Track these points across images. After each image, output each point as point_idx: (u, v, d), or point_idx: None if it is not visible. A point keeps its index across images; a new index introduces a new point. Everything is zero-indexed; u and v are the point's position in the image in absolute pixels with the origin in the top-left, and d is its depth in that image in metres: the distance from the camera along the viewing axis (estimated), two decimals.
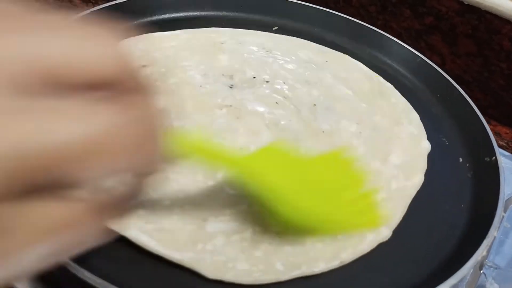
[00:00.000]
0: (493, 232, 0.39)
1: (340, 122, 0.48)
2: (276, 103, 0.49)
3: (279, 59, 0.55)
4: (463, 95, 0.53)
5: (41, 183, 0.17)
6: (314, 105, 0.49)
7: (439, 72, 0.56)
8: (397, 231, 0.40)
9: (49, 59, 0.17)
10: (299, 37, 0.59)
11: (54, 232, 0.18)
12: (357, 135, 0.47)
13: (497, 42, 0.59)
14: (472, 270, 0.41)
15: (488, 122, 0.50)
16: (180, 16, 0.59)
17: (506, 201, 0.48)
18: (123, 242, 0.35)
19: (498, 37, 0.59)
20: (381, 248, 0.38)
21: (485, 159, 0.47)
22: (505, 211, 0.47)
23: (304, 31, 0.61)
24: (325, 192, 0.36)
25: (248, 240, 0.36)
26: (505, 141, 0.60)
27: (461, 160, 0.48)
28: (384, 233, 0.39)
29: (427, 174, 0.45)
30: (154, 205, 0.37)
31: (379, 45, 0.60)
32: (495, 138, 0.48)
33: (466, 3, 0.59)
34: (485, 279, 0.42)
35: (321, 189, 0.36)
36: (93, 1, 0.68)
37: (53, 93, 0.17)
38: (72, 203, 0.19)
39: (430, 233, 0.41)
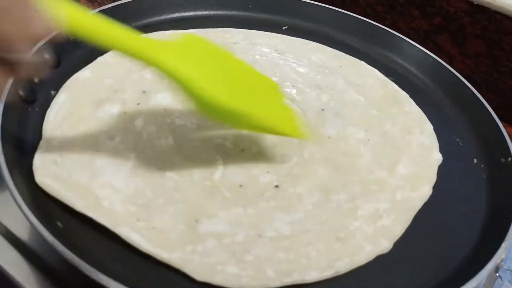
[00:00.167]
0: (511, 234, 0.38)
1: (348, 128, 0.47)
2: None
3: (291, 61, 0.54)
4: (476, 96, 0.52)
5: None
6: (323, 110, 0.48)
7: (452, 72, 0.54)
8: (403, 241, 0.38)
9: None
10: (309, 37, 0.58)
11: None
12: (365, 142, 0.46)
13: (507, 43, 0.58)
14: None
15: None
16: (190, 16, 0.59)
17: None
18: (113, 237, 0.34)
19: (508, 38, 0.57)
20: (380, 260, 0.37)
21: (501, 160, 0.46)
22: None
23: (314, 30, 0.60)
24: (249, 90, 0.37)
25: (240, 244, 0.35)
26: None
27: (475, 161, 0.47)
28: (384, 245, 0.37)
29: (441, 176, 0.44)
30: (147, 203, 0.37)
31: (391, 45, 0.59)
32: None
33: (475, 3, 0.57)
34: (501, 282, 0.41)
35: (245, 85, 0.37)
36: (99, 1, 0.69)
37: None
38: None
39: (445, 235, 0.40)
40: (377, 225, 0.39)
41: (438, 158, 0.46)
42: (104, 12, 0.51)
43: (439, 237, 0.40)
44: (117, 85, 0.46)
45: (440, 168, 0.45)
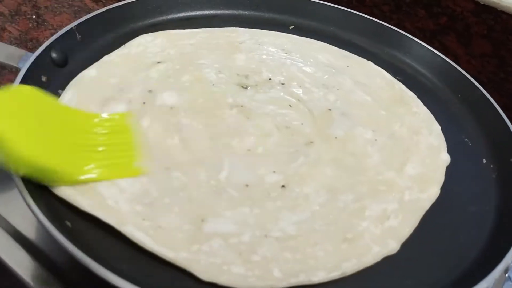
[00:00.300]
0: None
1: (355, 128, 0.46)
2: (289, 105, 0.47)
3: (297, 61, 0.54)
4: (485, 95, 0.51)
5: None
6: (329, 109, 0.48)
7: (460, 71, 0.54)
8: (411, 241, 0.38)
9: None
10: (316, 36, 0.58)
11: None
12: (372, 142, 0.45)
13: None
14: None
15: None
16: (196, 15, 0.59)
17: None
18: (120, 237, 0.34)
19: None
20: (388, 261, 0.36)
21: (510, 160, 0.45)
22: None
23: (321, 30, 0.60)
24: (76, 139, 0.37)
25: (246, 244, 0.35)
26: None
27: (485, 161, 0.47)
28: (392, 245, 0.37)
29: (450, 177, 0.44)
30: (153, 203, 0.36)
31: (398, 44, 0.59)
32: None
33: (482, 3, 0.57)
34: (510, 283, 0.40)
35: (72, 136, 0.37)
36: (104, 1, 0.69)
37: None
38: None
39: (454, 236, 0.39)
40: (385, 226, 0.38)
41: (446, 159, 0.46)
42: (110, 11, 0.51)
43: (448, 238, 0.39)
44: (123, 84, 0.46)
45: (449, 168, 0.45)
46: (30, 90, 0.37)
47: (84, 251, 0.31)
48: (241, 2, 0.60)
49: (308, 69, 0.53)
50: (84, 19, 0.50)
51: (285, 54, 0.54)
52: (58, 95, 0.44)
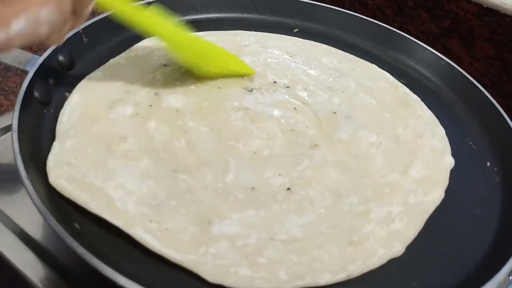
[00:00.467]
0: None
1: (360, 131, 0.46)
2: (294, 108, 0.47)
3: (302, 64, 0.54)
4: (489, 98, 0.51)
5: None
6: (334, 112, 0.48)
7: (464, 74, 0.54)
8: (416, 244, 0.38)
9: None
10: (321, 39, 0.59)
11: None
12: (377, 145, 0.45)
13: None
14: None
15: None
16: (202, 18, 0.59)
17: None
18: (128, 239, 0.35)
19: None
20: (393, 263, 0.37)
21: None
22: None
23: (326, 33, 0.61)
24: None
25: (252, 246, 0.35)
26: None
27: (489, 164, 0.47)
28: (396, 248, 0.37)
29: (455, 180, 0.44)
30: (160, 205, 0.37)
31: (402, 47, 0.59)
32: None
33: (485, 6, 0.58)
34: None
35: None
36: None
37: None
38: None
39: (459, 239, 0.40)
40: (390, 229, 0.39)
41: (450, 162, 0.46)
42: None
43: (453, 241, 0.39)
44: (130, 86, 0.47)
45: (453, 171, 0.45)
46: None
47: (92, 253, 0.31)
48: (246, 5, 0.60)
49: (312, 72, 0.53)
50: (91, 22, 0.50)
51: (290, 57, 0.55)
52: (65, 97, 0.44)
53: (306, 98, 0.49)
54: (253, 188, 0.39)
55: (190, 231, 0.35)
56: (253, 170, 0.41)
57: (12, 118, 0.39)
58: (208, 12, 0.59)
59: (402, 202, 0.41)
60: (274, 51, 0.55)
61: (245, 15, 0.61)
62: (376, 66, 0.57)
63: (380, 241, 0.37)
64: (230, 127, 0.44)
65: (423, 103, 0.53)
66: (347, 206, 0.39)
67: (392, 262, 0.37)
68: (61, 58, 0.47)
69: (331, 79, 0.53)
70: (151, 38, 0.53)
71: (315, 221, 0.38)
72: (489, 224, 0.41)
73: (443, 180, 0.44)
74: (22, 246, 0.40)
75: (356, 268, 0.35)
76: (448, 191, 0.43)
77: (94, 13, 0.75)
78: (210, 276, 0.33)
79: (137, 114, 0.44)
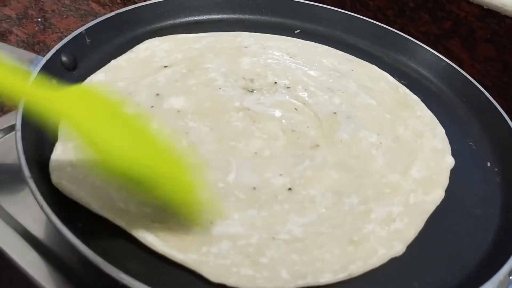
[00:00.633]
0: None
1: (360, 132, 0.47)
2: (295, 109, 0.48)
3: (302, 65, 0.54)
4: (489, 99, 0.52)
5: None
6: (335, 113, 0.48)
7: (465, 76, 0.55)
8: (416, 244, 0.38)
9: None
10: (322, 40, 0.59)
11: None
12: (377, 145, 0.46)
13: None
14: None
15: None
16: (203, 19, 0.59)
17: None
18: (131, 238, 0.35)
19: None
20: (393, 263, 0.37)
21: None
22: None
23: (327, 34, 0.61)
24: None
25: (254, 246, 0.35)
26: None
27: (489, 164, 0.47)
28: (397, 248, 0.37)
29: (455, 180, 0.44)
30: (162, 205, 0.37)
31: (403, 48, 0.59)
32: None
33: (486, 7, 0.57)
34: None
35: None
36: (110, 5, 0.70)
37: None
38: None
39: (459, 238, 0.40)
40: (391, 229, 0.39)
41: (450, 162, 0.46)
42: (119, 16, 0.52)
43: (453, 241, 0.40)
44: (131, 88, 0.47)
45: (454, 171, 0.45)
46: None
47: (96, 252, 0.31)
48: (247, 6, 0.60)
49: (313, 73, 0.54)
50: (94, 23, 0.50)
51: (290, 58, 0.55)
52: None
53: (306, 98, 0.49)
54: (254, 188, 0.39)
55: (192, 231, 0.36)
56: (254, 170, 0.41)
57: (16, 118, 0.39)
58: (209, 13, 0.60)
59: (402, 202, 0.41)
60: (275, 52, 0.56)
61: (246, 16, 0.61)
62: (376, 67, 0.57)
63: (380, 240, 0.38)
64: (231, 127, 0.44)
65: (423, 104, 0.53)
66: (347, 206, 0.40)
67: (392, 261, 0.37)
68: (64, 58, 0.47)
69: (331, 80, 0.53)
70: (152, 39, 0.54)
71: (316, 221, 0.38)
72: (489, 224, 0.42)
73: (444, 180, 0.44)
74: (26, 245, 0.40)
75: (357, 267, 0.36)
76: (448, 191, 0.43)
77: (96, 14, 0.76)
78: (212, 275, 0.33)
79: (138, 114, 0.44)
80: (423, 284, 0.36)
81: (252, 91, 0.49)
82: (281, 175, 0.41)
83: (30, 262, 0.39)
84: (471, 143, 0.50)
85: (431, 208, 0.41)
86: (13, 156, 0.37)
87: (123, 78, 0.48)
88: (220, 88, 0.48)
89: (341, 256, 0.36)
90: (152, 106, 0.45)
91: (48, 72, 0.44)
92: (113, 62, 0.50)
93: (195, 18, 0.59)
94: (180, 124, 0.44)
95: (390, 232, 0.39)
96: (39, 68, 0.43)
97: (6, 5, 0.74)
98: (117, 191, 0.37)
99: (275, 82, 0.51)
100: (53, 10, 0.75)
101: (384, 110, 0.50)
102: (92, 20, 0.50)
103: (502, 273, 0.35)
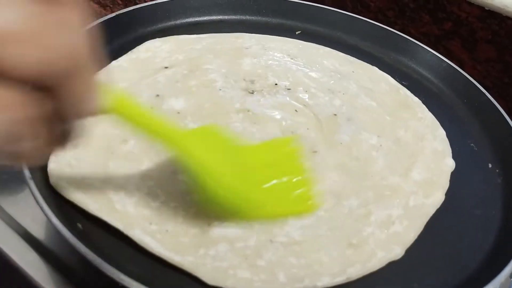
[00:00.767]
0: None
1: (361, 134, 0.46)
2: (295, 110, 0.48)
3: (303, 67, 0.54)
4: (490, 100, 0.52)
5: None
6: (335, 114, 0.48)
7: (466, 77, 0.54)
8: (416, 247, 0.38)
9: None
10: (323, 41, 0.59)
11: None
12: (377, 147, 0.45)
13: None
14: None
15: None
16: (204, 20, 0.59)
17: None
18: (129, 239, 0.35)
19: None
20: (393, 266, 0.37)
21: None
22: None
23: (327, 35, 0.61)
24: (259, 177, 0.36)
25: (252, 249, 0.35)
26: None
27: (490, 165, 0.47)
28: (396, 251, 0.37)
29: (456, 181, 0.44)
30: (160, 207, 0.37)
31: (404, 49, 0.59)
32: None
33: (487, 8, 0.57)
34: None
35: (255, 174, 0.36)
36: (111, 6, 0.70)
37: None
38: (10, 89, 0.20)
39: (460, 240, 0.40)
40: (390, 231, 0.39)
41: (451, 164, 0.46)
42: (120, 16, 0.52)
43: (453, 242, 0.39)
44: (131, 88, 0.47)
45: (455, 172, 0.45)
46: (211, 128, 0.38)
47: (96, 253, 0.31)
48: (248, 7, 0.60)
49: (313, 75, 0.53)
50: (93, 24, 0.50)
51: (291, 60, 0.55)
52: None
53: (307, 100, 0.49)
54: None
55: (190, 233, 0.36)
56: None
57: None
58: (210, 14, 0.60)
59: (402, 204, 0.41)
60: (276, 54, 0.55)
61: (247, 17, 0.61)
62: (377, 69, 0.57)
63: (379, 243, 0.37)
64: (231, 128, 0.44)
65: (424, 106, 0.52)
66: (347, 208, 0.39)
67: (391, 265, 0.37)
68: None
69: (332, 81, 0.53)
70: (153, 40, 0.54)
71: (314, 224, 0.38)
72: (490, 225, 0.41)
73: (444, 183, 0.44)
74: (26, 246, 0.40)
75: (356, 271, 0.35)
76: (449, 192, 0.43)
77: (97, 15, 0.76)
78: (209, 278, 0.33)
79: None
80: (423, 286, 0.36)
81: (252, 93, 0.49)
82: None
83: (30, 263, 0.39)
84: (472, 144, 0.49)
85: (431, 211, 0.41)
86: None
87: (124, 79, 0.48)
88: (220, 89, 0.48)
89: (339, 259, 0.36)
90: (151, 107, 0.45)
91: None
92: (113, 63, 0.50)
93: (196, 19, 0.59)
94: (180, 125, 0.44)
95: (389, 235, 0.38)
96: None
97: None
98: (115, 193, 0.37)
99: (276, 84, 0.51)
100: None
101: (384, 112, 0.50)
102: (93, 21, 0.50)
103: (503, 275, 0.35)
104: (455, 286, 0.36)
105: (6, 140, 0.21)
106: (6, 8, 0.19)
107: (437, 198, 0.42)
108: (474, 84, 0.53)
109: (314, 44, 0.58)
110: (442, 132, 0.49)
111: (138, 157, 0.40)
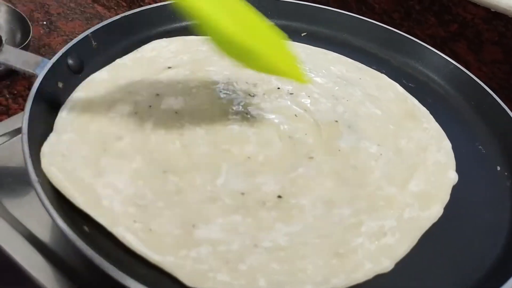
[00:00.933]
0: None
1: (360, 142, 0.45)
2: (295, 115, 0.47)
3: (309, 72, 0.54)
4: (498, 102, 0.50)
5: None
6: (336, 121, 0.47)
7: (473, 78, 0.53)
8: (408, 260, 0.37)
9: None
10: (328, 43, 0.58)
11: None
12: (377, 157, 0.44)
13: None
14: None
15: None
16: None
17: None
18: (109, 237, 0.35)
19: None
20: (380, 279, 0.35)
21: None
22: None
23: (333, 37, 0.60)
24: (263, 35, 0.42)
25: (234, 252, 0.35)
26: None
27: (499, 168, 0.46)
28: (385, 264, 0.36)
29: (464, 184, 0.43)
30: (147, 206, 0.37)
31: (410, 51, 0.58)
32: None
33: (493, 10, 0.56)
34: None
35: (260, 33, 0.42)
36: (115, 8, 0.71)
37: None
38: None
39: (468, 244, 0.39)
40: (380, 243, 0.37)
41: (453, 177, 0.44)
42: (125, 19, 0.53)
43: (461, 247, 0.39)
44: (132, 86, 0.47)
45: (463, 176, 0.44)
46: None
47: (102, 256, 0.31)
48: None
49: (319, 80, 0.53)
50: (100, 26, 0.51)
51: None
52: None
53: (308, 105, 0.49)
54: (242, 194, 0.39)
55: (173, 234, 0.35)
56: (245, 175, 0.40)
57: (22, 121, 0.39)
58: None
59: (396, 216, 0.39)
60: None
61: None
62: (386, 76, 0.55)
63: (368, 255, 0.36)
64: (227, 131, 0.44)
65: (431, 116, 0.51)
66: (337, 217, 0.38)
67: (379, 277, 0.35)
68: (70, 61, 0.47)
69: (337, 87, 0.52)
70: (159, 40, 0.54)
71: (302, 231, 0.37)
72: (499, 229, 0.40)
73: (444, 196, 0.42)
74: (31, 248, 0.41)
75: (340, 281, 0.34)
76: (457, 195, 0.42)
77: (102, 17, 0.77)
78: (187, 279, 0.33)
79: (136, 113, 0.44)
80: None
81: (253, 96, 0.49)
82: (272, 181, 0.40)
83: (35, 265, 0.39)
84: (480, 146, 0.48)
85: (426, 224, 0.39)
86: (18, 159, 0.37)
87: (126, 76, 0.48)
88: (221, 92, 0.48)
89: (324, 268, 0.35)
90: (150, 106, 0.45)
91: (55, 75, 0.45)
92: (118, 61, 0.50)
93: None
94: (176, 125, 0.44)
95: (380, 246, 0.37)
96: (46, 71, 0.44)
97: None
98: (103, 189, 0.37)
99: (279, 88, 0.50)
100: (58, 13, 0.76)
101: (388, 121, 0.49)
102: (98, 23, 0.51)
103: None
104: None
105: None
106: None
107: (434, 211, 0.41)
108: (481, 85, 0.52)
109: (323, 49, 0.58)
110: (447, 144, 0.48)
111: (131, 154, 0.40)
